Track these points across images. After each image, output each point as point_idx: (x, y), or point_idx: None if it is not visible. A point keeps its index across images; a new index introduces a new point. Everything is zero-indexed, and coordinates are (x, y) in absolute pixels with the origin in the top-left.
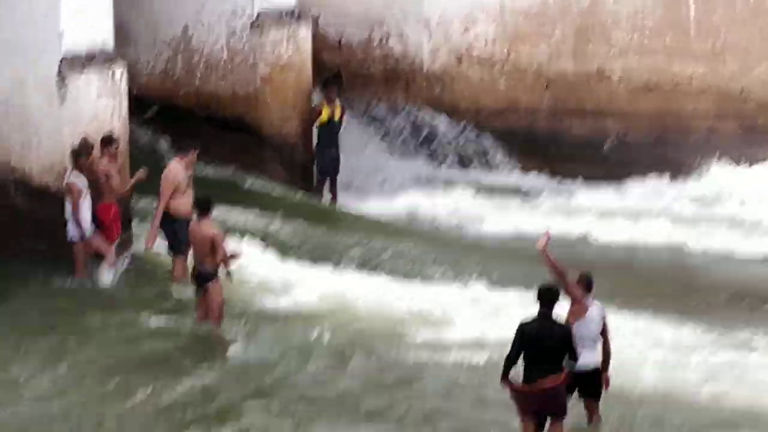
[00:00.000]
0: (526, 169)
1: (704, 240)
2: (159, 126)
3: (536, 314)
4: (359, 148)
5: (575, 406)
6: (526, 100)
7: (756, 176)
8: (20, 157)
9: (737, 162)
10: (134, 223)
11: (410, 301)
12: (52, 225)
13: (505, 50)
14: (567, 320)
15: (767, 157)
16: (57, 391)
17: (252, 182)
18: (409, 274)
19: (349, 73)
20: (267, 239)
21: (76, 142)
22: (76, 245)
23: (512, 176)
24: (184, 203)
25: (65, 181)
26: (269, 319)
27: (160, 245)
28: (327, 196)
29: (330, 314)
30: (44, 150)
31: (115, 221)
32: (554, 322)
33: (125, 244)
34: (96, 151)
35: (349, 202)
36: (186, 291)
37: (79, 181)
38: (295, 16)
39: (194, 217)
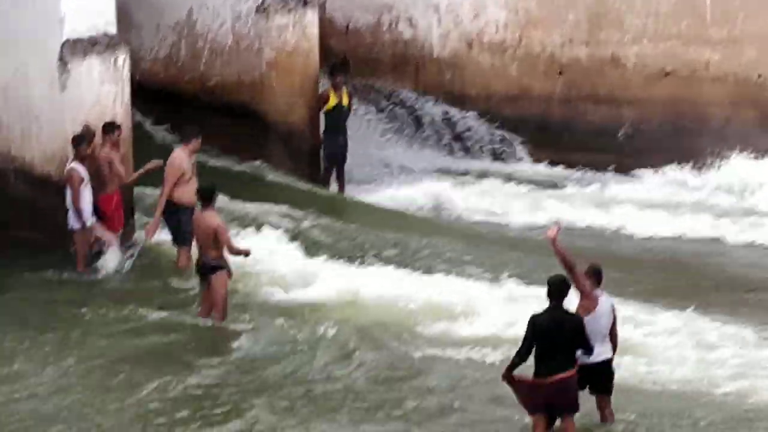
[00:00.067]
0: (538, 158)
1: (745, 234)
2: (162, 112)
3: (547, 307)
4: (368, 135)
5: (586, 401)
6: (539, 87)
7: None
8: (20, 145)
9: (756, 151)
10: (137, 216)
11: (426, 295)
12: (53, 215)
13: (517, 36)
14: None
15: None
16: (62, 386)
17: (269, 174)
18: (431, 269)
19: (356, 59)
20: (279, 231)
21: (78, 129)
22: (77, 234)
23: (534, 167)
24: (188, 191)
25: (66, 169)
26: (278, 312)
27: (163, 236)
28: (334, 185)
29: (340, 308)
30: (45, 138)
31: (117, 211)
32: (566, 313)
33: (130, 235)
34: (98, 139)
35: (356, 193)
36: (190, 283)
37: (80, 168)
38: (301, 0)
39: (197, 206)
